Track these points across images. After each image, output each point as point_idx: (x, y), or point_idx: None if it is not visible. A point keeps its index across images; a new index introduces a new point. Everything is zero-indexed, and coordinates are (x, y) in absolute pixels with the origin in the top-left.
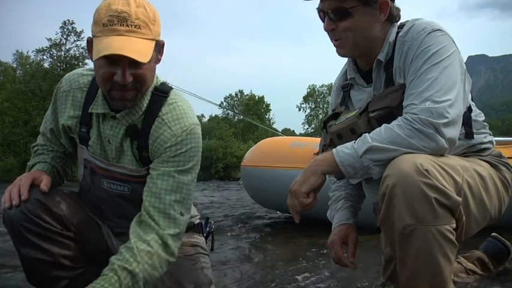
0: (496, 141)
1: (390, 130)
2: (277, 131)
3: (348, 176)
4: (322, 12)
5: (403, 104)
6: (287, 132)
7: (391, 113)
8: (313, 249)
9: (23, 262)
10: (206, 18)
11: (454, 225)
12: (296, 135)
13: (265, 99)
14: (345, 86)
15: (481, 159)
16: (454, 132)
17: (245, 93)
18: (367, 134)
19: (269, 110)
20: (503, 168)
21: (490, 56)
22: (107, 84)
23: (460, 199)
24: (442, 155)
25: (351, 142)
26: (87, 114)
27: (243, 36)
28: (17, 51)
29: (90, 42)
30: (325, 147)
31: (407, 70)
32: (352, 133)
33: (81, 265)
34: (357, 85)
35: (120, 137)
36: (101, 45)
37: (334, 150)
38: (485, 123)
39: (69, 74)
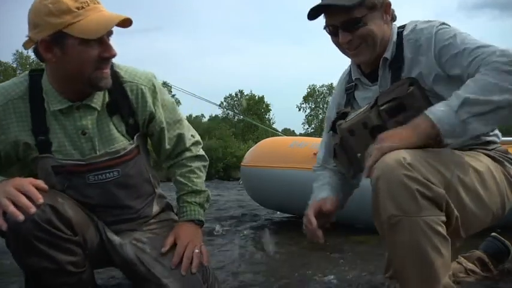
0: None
1: (478, 80)
2: (277, 131)
3: (445, 135)
4: (331, 26)
5: (467, 73)
6: (287, 132)
7: (401, 104)
8: (314, 249)
9: (27, 271)
10: (206, 18)
11: (443, 219)
12: (296, 135)
13: (265, 99)
14: (349, 88)
15: (484, 153)
16: None
17: (245, 93)
18: (457, 91)
19: (269, 110)
20: (508, 164)
21: None
22: (94, 64)
23: (443, 191)
24: (437, 151)
25: (440, 102)
26: (39, 120)
27: (243, 36)
28: (17, 51)
29: (49, 41)
30: (336, 145)
31: (428, 61)
32: (364, 127)
33: (83, 269)
34: (361, 85)
35: (97, 121)
36: (94, 23)
37: (425, 112)
38: None
39: None
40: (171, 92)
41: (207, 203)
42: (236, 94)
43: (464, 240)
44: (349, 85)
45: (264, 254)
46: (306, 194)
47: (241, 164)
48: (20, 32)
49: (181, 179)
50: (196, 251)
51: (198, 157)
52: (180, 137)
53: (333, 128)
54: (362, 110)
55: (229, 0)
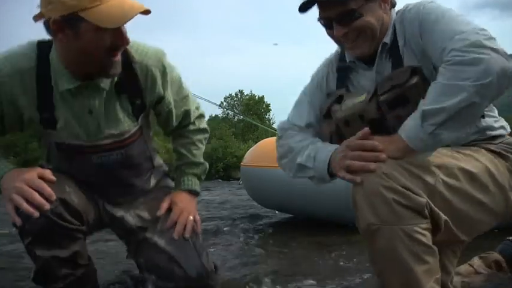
0: None
1: (436, 84)
2: (277, 131)
3: (420, 150)
4: (326, 19)
5: (436, 66)
6: None
7: (403, 96)
8: (314, 249)
9: (36, 262)
10: (206, 18)
11: (425, 226)
12: None
13: (265, 99)
14: (342, 69)
15: (487, 149)
16: (499, 45)
17: (245, 93)
18: (422, 100)
19: (269, 110)
20: None
21: None
22: (106, 52)
23: (421, 199)
24: (421, 156)
25: (412, 115)
26: (45, 97)
27: (243, 36)
28: None
29: (61, 21)
30: (333, 133)
31: (416, 40)
32: (361, 119)
33: (88, 262)
34: (357, 69)
35: (105, 101)
36: (113, 11)
37: (398, 131)
38: (493, 106)
39: (4, 54)
40: None
41: (203, 175)
42: (236, 94)
43: (472, 241)
44: (342, 65)
45: (264, 253)
46: (306, 194)
47: (241, 164)
48: (20, 32)
49: (182, 150)
50: (191, 218)
51: (200, 130)
52: (187, 113)
53: (327, 113)
54: (359, 98)
55: (230, 0)
